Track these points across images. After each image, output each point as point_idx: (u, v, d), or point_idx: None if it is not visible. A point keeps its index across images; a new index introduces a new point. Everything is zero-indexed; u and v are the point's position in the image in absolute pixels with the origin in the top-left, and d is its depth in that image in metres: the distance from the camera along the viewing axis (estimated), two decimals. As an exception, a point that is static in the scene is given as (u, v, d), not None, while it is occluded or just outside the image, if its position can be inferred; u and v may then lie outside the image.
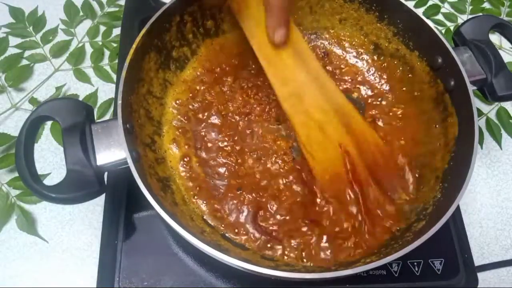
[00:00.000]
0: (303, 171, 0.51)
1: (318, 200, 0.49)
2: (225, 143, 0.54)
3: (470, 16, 0.75)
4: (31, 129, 0.44)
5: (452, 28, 0.74)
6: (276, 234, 0.48)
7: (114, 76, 0.66)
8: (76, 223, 0.55)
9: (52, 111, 0.44)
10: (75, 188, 0.42)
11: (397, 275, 0.49)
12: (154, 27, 0.50)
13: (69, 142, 0.43)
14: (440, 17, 0.76)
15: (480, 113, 0.66)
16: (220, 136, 0.54)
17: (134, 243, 0.50)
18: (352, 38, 0.61)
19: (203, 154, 0.53)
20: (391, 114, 0.57)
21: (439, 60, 0.51)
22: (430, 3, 0.76)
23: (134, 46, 0.48)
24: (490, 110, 0.66)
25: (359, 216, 0.48)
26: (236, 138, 0.54)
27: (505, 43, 0.71)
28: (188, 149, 0.53)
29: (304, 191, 0.50)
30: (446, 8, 0.76)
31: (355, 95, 0.58)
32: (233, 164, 0.52)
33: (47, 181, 0.56)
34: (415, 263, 0.49)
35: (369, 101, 0.58)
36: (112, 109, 0.63)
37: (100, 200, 0.51)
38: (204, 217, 0.49)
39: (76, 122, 0.44)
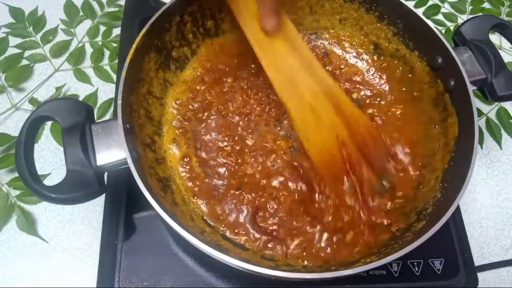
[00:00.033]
0: (301, 168, 0.51)
1: (317, 196, 0.49)
2: (225, 143, 0.54)
3: (470, 16, 0.75)
4: (31, 129, 0.44)
5: (452, 28, 0.74)
6: (277, 234, 0.48)
7: (114, 76, 0.66)
8: (76, 223, 0.55)
9: (52, 111, 0.44)
10: (75, 188, 0.42)
11: (397, 275, 0.49)
12: (154, 27, 0.50)
13: (69, 142, 0.43)
14: (440, 17, 0.76)
15: (480, 113, 0.66)
16: (220, 136, 0.54)
17: (134, 243, 0.50)
18: (352, 38, 0.61)
19: (203, 154, 0.53)
20: (389, 114, 0.57)
21: (439, 60, 0.51)
22: (430, 3, 0.76)
23: (134, 46, 0.48)
24: (490, 110, 0.66)
25: (356, 205, 0.49)
26: (236, 138, 0.54)
27: (505, 43, 0.71)
28: (188, 149, 0.53)
29: (303, 188, 0.51)
30: (446, 8, 0.76)
31: (354, 95, 0.58)
32: (233, 164, 0.52)
33: (47, 181, 0.56)
34: (415, 263, 0.49)
35: (368, 101, 0.58)
36: (112, 109, 0.63)
37: (100, 200, 0.51)
38: (204, 217, 0.49)
39: (76, 122, 0.44)
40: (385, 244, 0.46)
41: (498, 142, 0.64)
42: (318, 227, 0.48)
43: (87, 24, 0.71)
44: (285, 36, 0.49)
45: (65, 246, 0.54)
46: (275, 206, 0.50)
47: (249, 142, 0.54)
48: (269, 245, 0.47)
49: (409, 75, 0.57)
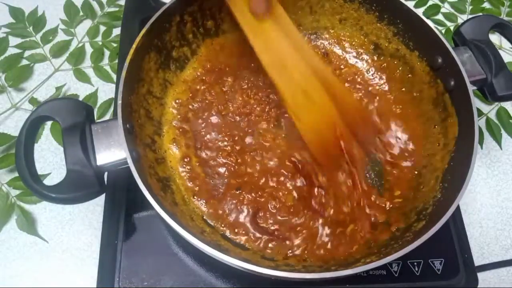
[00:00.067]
0: (300, 163, 0.52)
1: (316, 190, 0.50)
2: (225, 143, 0.54)
3: (470, 16, 0.75)
4: (31, 129, 0.44)
5: (452, 28, 0.74)
6: (279, 233, 0.48)
7: (114, 76, 0.66)
8: (76, 223, 0.55)
9: (52, 111, 0.44)
10: (75, 188, 0.42)
11: (397, 275, 0.49)
12: (154, 27, 0.50)
13: (69, 142, 0.43)
14: (440, 17, 0.76)
15: (480, 113, 0.66)
16: (220, 136, 0.54)
17: (134, 243, 0.50)
18: (352, 38, 0.61)
19: (203, 154, 0.53)
20: (389, 113, 0.57)
21: (439, 60, 0.51)
22: (430, 3, 0.76)
23: (134, 46, 0.48)
24: (490, 110, 0.66)
25: (354, 193, 0.50)
26: (236, 138, 0.54)
27: (505, 43, 0.71)
28: (188, 149, 0.53)
29: (302, 184, 0.51)
30: (446, 8, 0.76)
31: (354, 95, 0.58)
32: (233, 164, 0.52)
33: (47, 181, 0.56)
34: (415, 263, 0.49)
35: (367, 101, 0.58)
36: (112, 109, 0.63)
37: (100, 200, 0.51)
38: (204, 217, 0.49)
39: (76, 122, 0.44)
40: (385, 244, 0.46)
41: (498, 142, 0.64)
42: (320, 220, 0.49)
43: (87, 24, 0.71)
44: (276, 21, 0.50)
45: (65, 246, 0.54)
46: (276, 206, 0.50)
47: (249, 142, 0.54)
48: (270, 245, 0.48)
49: (409, 75, 0.57)
